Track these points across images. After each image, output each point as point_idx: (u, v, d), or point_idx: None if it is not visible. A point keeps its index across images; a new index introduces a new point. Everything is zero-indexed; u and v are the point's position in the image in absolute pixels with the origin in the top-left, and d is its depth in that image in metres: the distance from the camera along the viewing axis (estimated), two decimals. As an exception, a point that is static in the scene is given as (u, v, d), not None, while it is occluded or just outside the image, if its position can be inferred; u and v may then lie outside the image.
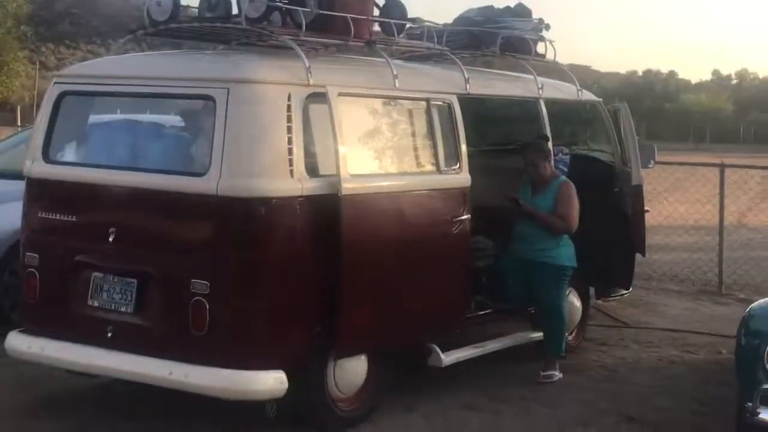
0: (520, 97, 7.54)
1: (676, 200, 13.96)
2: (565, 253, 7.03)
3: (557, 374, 7.02)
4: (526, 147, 7.19)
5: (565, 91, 7.93)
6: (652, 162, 8.51)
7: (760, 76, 78.38)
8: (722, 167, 10.97)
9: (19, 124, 27.25)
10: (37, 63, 40.02)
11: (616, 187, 7.89)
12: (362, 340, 5.82)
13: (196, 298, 5.31)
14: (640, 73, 76.04)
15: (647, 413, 6.42)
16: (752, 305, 6.04)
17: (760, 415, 5.11)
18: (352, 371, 5.84)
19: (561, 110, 7.74)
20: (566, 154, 7.82)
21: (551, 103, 7.47)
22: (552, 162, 7.19)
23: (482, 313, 7.06)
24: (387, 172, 6.07)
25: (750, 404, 5.15)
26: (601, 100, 8.32)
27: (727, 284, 10.51)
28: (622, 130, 8.04)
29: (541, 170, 7.03)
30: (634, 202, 7.97)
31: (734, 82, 76.39)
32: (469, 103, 6.73)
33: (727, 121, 65.24)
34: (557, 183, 7.02)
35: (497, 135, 7.55)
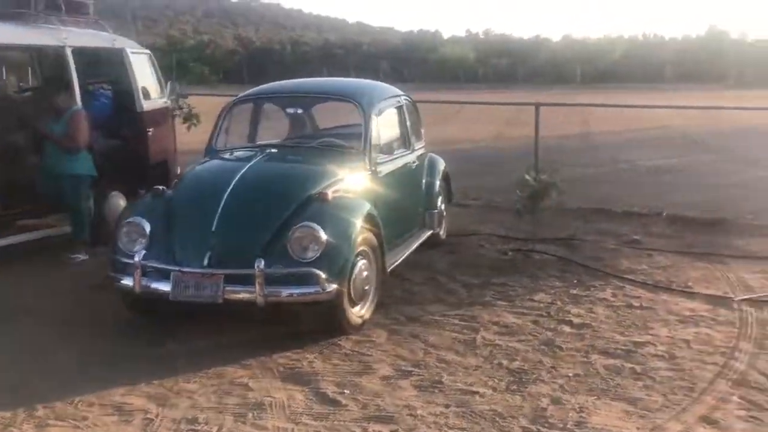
0: (40, 45, 6.76)
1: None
2: (82, 165, 6.55)
3: (82, 256, 6.59)
4: (47, 86, 6.78)
5: (100, 39, 7.23)
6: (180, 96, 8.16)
7: (498, 32, 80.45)
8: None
9: None
10: None
11: (137, 112, 7.39)
12: None
13: None
14: (415, 31, 76.17)
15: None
16: None
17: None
18: None
19: (98, 55, 7.17)
20: (108, 89, 7.37)
21: (80, 50, 6.76)
22: (73, 96, 6.58)
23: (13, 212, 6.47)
24: None
25: None
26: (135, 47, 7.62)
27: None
28: (131, 72, 7.32)
29: (56, 103, 6.56)
30: (143, 123, 7.39)
31: (481, 37, 77.81)
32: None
33: (471, 66, 66.21)
34: (70, 112, 6.53)
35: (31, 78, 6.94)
